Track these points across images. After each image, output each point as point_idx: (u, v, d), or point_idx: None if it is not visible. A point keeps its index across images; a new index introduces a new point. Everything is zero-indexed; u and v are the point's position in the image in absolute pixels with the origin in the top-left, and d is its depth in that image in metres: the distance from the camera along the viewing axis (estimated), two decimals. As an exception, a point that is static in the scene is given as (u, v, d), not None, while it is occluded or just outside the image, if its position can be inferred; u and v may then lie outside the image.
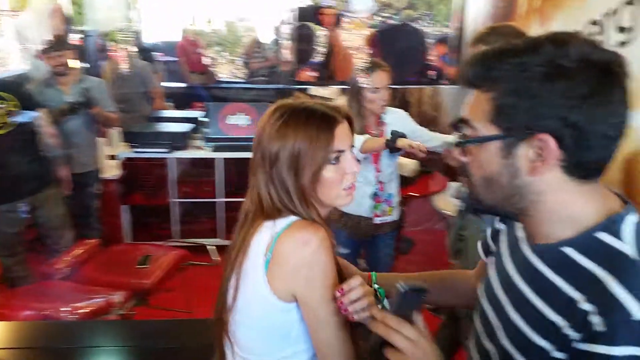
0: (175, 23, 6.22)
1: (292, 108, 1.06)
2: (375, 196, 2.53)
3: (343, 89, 5.37)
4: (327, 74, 5.15)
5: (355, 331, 1.03)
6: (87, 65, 4.60)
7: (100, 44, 5.07)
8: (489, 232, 1.10)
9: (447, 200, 3.25)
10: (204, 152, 3.84)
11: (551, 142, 0.72)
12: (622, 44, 2.23)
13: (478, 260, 1.15)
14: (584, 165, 0.74)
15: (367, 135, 2.39)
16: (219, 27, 6.24)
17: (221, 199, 3.92)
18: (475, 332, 0.98)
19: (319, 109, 1.05)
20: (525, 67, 0.72)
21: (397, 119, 2.56)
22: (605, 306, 0.69)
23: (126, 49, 4.75)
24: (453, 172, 3.15)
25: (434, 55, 5.47)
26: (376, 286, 1.08)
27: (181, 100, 5.48)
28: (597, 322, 0.69)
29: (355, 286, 0.96)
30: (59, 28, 4.37)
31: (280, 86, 5.18)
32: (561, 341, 0.74)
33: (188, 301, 2.87)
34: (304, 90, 4.95)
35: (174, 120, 4.24)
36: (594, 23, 2.46)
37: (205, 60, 5.96)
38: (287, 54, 5.38)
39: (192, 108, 5.19)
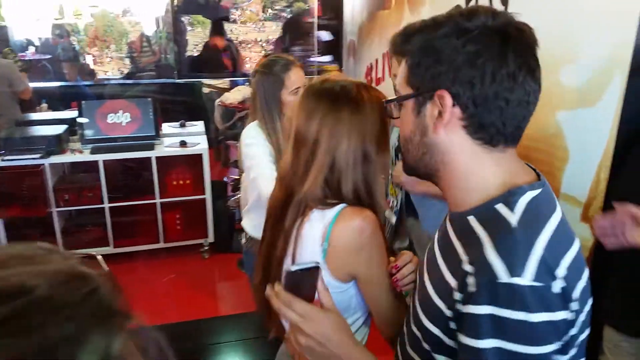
0: (45, 18, 5.73)
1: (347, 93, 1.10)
2: None
3: (232, 81, 5.31)
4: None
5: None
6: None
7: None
8: None
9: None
10: (83, 155, 3.59)
11: (448, 98, 0.77)
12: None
13: None
14: (484, 127, 0.78)
15: None
16: (98, 20, 5.83)
17: (109, 205, 3.68)
18: None
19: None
20: (434, 31, 0.78)
21: None
22: (478, 268, 0.73)
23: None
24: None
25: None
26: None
27: (58, 100, 5.10)
28: (471, 282, 0.73)
29: (406, 262, 1.11)
30: None
31: (168, 80, 4.98)
32: (451, 301, 0.78)
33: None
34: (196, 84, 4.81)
35: (47, 123, 3.91)
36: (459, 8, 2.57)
37: (87, 58, 5.59)
38: (172, 47, 5.18)
39: (70, 109, 4.84)
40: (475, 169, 0.81)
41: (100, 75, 5.79)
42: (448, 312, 0.79)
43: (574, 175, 1.83)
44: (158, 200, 3.76)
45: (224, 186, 4.36)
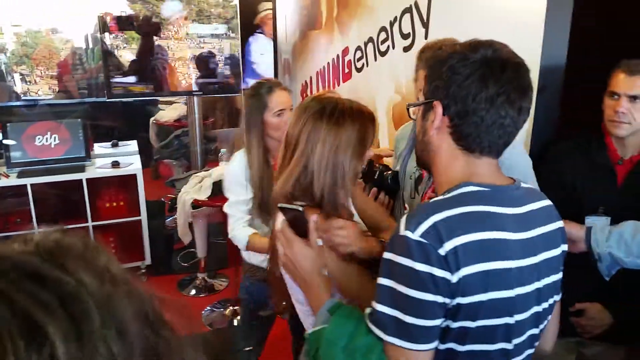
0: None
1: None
2: None
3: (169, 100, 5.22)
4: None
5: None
6: None
7: None
8: None
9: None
10: (9, 180, 3.43)
11: (439, 108, 0.96)
12: (405, 49, 2.48)
13: None
14: (464, 136, 0.96)
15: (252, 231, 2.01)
16: (25, 38, 5.60)
17: (39, 230, 3.51)
18: None
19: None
20: (445, 53, 0.97)
21: None
22: (395, 226, 0.97)
23: None
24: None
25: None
26: None
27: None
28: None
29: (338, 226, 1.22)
30: None
31: (98, 100, 4.83)
32: None
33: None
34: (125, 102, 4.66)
35: (-32, 147, 3.71)
36: (384, 30, 2.69)
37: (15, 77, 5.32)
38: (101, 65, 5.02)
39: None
40: (451, 167, 1.00)
41: (31, 96, 5.55)
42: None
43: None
44: (90, 224, 3.64)
45: (161, 206, 4.28)
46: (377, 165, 1.87)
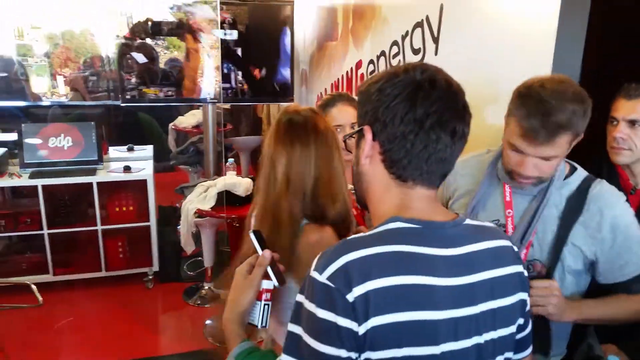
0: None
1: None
2: None
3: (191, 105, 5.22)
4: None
5: None
6: None
7: None
8: None
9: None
10: (20, 180, 3.46)
11: (368, 133, 0.88)
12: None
13: None
14: (395, 163, 0.87)
15: None
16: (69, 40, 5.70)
17: (48, 231, 3.55)
18: None
19: None
20: (375, 77, 0.90)
21: None
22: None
23: None
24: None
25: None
26: None
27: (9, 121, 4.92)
28: None
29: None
30: None
31: (115, 103, 4.86)
32: None
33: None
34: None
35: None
36: (395, 44, 2.61)
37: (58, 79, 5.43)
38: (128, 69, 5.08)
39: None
40: (384, 199, 0.90)
41: (56, 97, 5.65)
42: None
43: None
44: (99, 227, 3.65)
45: (174, 212, 4.26)
46: None
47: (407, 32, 2.42)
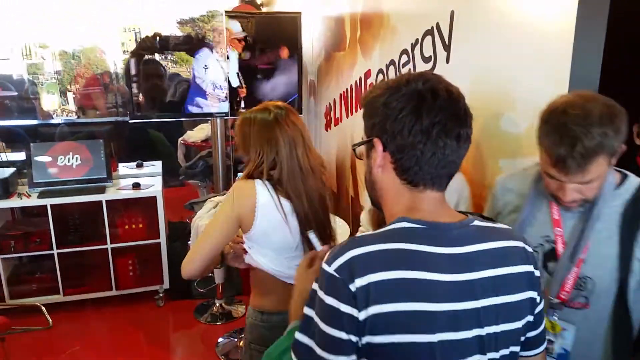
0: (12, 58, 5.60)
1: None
2: None
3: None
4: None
5: None
6: None
7: None
8: None
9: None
10: (29, 200, 3.44)
11: (378, 145, 0.94)
12: (426, 72, 2.32)
13: None
14: (406, 170, 0.93)
15: None
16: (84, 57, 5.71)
17: (58, 251, 3.51)
18: None
19: None
20: (379, 90, 0.95)
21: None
22: None
23: None
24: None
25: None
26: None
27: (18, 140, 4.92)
28: None
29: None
30: None
31: (124, 119, 4.84)
32: None
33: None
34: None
35: (-3, 166, 3.76)
36: (405, 52, 2.55)
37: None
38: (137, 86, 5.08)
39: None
40: (396, 203, 0.97)
41: (66, 115, 5.66)
42: None
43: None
44: (109, 246, 3.61)
45: (184, 227, 4.22)
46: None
47: (417, 40, 2.36)
